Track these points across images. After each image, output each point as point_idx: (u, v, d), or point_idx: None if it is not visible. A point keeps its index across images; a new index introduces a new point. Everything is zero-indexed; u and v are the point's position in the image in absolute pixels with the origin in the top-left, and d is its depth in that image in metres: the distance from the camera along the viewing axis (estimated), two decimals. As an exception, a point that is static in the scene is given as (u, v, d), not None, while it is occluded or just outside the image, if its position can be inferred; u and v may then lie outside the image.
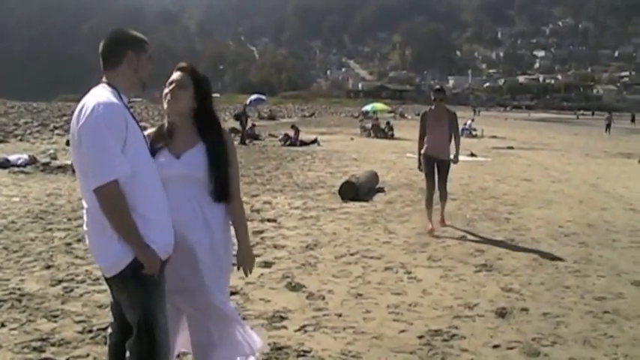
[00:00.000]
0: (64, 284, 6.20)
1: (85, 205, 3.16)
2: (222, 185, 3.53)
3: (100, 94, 3.06)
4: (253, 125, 32.31)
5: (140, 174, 3.08)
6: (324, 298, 6.02)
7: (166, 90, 3.49)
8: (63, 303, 5.66)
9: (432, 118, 9.59)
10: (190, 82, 3.51)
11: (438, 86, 10.30)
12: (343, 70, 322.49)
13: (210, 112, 3.60)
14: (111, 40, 3.24)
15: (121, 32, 3.29)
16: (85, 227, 3.23)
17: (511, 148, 28.41)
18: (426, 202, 9.61)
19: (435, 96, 9.67)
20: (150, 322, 3.14)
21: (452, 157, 9.67)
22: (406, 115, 72.95)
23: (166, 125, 3.60)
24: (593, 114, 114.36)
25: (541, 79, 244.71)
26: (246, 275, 3.82)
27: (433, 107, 9.66)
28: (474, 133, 38.47)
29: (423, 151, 9.57)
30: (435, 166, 9.52)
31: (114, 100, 3.06)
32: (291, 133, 28.48)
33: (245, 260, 3.73)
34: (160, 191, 3.24)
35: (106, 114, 2.96)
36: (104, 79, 3.21)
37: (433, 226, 9.28)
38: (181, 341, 3.81)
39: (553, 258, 7.80)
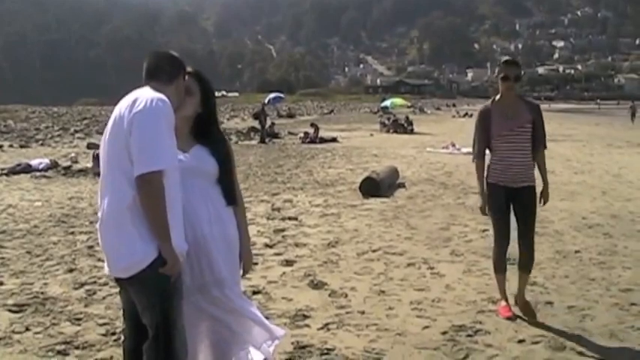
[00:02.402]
0: (87, 287, 6.24)
1: (104, 202, 3.13)
2: (231, 189, 3.60)
3: (152, 92, 3.14)
4: (272, 124, 32.48)
5: (173, 172, 3.11)
6: (346, 295, 6.00)
7: None
8: (86, 306, 5.70)
9: (500, 118, 5.40)
10: (198, 89, 3.53)
11: (507, 57, 6.04)
12: (361, 66, 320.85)
13: (213, 115, 3.64)
14: (168, 59, 3.36)
15: (174, 55, 3.41)
16: (99, 227, 3.20)
17: (532, 139, 28.10)
18: (494, 262, 5.64)
19: (505, 72, 5.32)
20: (168, 325, 3.12)
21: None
22: (426, 110, 72.78)
23: None
24: (618, 103, 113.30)
25: (561, 69, 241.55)
26: (244, 275, 3.82)
27: (498, 97, 5.47)
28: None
29: (487, 178, 5.57)
30: (511, 202, 5.52)
31: (166, 98, 3.12)
32: (311, 130, 28.48)
33: (247, 260, 3.78)
34: (180, 197, 3.23)
35: (163, 107, 3.06)
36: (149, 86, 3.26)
37: (509, 305, 5.54)
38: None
39: (577, 250, 7.73)
